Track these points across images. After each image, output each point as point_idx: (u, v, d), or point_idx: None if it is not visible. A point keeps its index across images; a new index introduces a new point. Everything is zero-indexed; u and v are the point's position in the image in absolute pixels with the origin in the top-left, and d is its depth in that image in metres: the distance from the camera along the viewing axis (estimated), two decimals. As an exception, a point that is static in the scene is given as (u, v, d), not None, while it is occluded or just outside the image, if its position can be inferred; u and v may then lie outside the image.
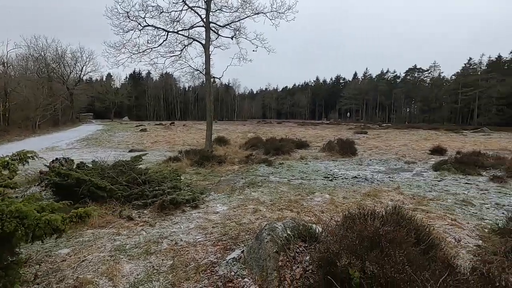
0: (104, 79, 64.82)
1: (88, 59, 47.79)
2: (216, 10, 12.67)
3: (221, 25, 13.16)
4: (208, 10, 12.14)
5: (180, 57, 12.92)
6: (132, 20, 11.50)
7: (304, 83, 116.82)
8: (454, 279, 1.62)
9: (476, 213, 4.50)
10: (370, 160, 10.08)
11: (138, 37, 12.06)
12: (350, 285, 1.57)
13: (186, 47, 13.23)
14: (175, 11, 12.15)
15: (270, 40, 13.76)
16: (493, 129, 32.76)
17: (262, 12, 12.49)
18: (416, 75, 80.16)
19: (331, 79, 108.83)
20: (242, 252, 2.75)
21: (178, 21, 12.56)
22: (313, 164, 9.13)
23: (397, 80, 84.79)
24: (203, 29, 12.62)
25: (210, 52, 12.63)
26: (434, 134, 24.44)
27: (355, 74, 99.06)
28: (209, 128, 12.43)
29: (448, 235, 3.59)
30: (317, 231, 2.89)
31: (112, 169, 5.40)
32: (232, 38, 13.61)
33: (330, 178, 7.00)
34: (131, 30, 11.67)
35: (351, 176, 7.32)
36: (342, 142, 11.58)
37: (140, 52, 12.15)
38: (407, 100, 78.05)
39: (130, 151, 13.01)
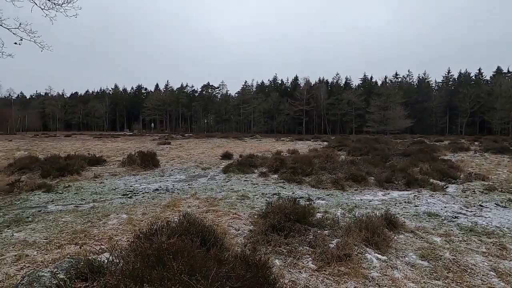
0: None
1: None
2: None
3: (-49, -3, 9.00)
4: None
5: None
6: None
7: (101, 90, 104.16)
8: (224, 270, 1.91)
9: (250, 204, 5.72)
10: (172, 170, 10.43)
11: None
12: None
13: None
14: None
15: (46, 34, 10.99)
16: (262, 135, 43.91)
17: (27, -3, 9.76)
18: (210, 91, 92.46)
19: (132, 88, 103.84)
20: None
21: None
22: (110, 181, 8.18)
23: (195, 94, 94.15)
24: None
25: None
26: (225, 141, 29.15)
27: (157, 86, 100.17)
28: None
29: (231, 227, 4.30)
30: (105, 261, 2.56)
31: None
32: (-26, 20, 9.65)
33: (129, 195, 6.52)
34: None
35: (152, 189, 7.20)
36: (143, 155, 11.20)
37: None
38: (204, 112, 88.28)
39: None
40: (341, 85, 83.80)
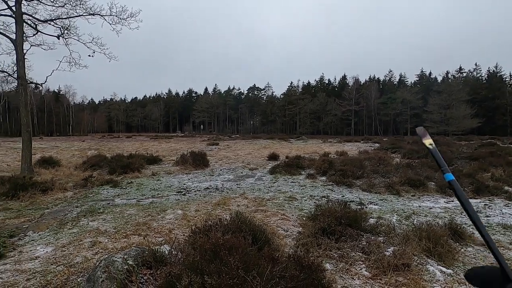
0: None
1: None
2: (33, 0, 10.17)
3: (42, 19, 10.66)
4: (18, -3, 9.53)
5: (-29, 52, 9.45)
6: None
7: (156, 94, 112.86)
8: (277, 269, 1.93)
9: (298, 205, 5.67)
10: (221, 170, 10.84)
11: None
12: (190, 304, 1.58)
13: (-18, 40, 9.83)
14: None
15: (113, 46, 12.39)
16: (309, 137, 43.17)
17: (99, 14, 11.08)
18: (255, 93, 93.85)
19: (184, 92, 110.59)
20: (69, 302, 2.24)
21: (-33, 3, 9.20)
22: (166, 179, 8.82)
23: (242, 96, 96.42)
24: (13, 20, 9.80)
25: (25, 51, 9.93)
26: (271, 142, 29.30)
27: (206, 89, 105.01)
28: (27, 147, 9.65)
29: (280, 228, 4.31)
30: (166, 252, 2.78)
31: None
32: (58, 37, 11.29)
33: (183, 193, 6.96)
34: None
35: (203, 187, 7.57)
36: (195, 155, 11.84)
37: None
38: (250, 114, 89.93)
39: None
40: (395, 83, 78.30)
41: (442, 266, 3.10)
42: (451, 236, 3.74)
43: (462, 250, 3.51)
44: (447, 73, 70.84)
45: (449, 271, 3.02)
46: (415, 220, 4.58)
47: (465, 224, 4.46)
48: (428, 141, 0.43)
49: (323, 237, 3.63)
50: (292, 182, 8.22)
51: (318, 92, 78.13)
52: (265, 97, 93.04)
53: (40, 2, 10.18)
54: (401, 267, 2.96)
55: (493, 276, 0.30)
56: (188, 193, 6.97)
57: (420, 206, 5.70)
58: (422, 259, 3.23)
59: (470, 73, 69.49)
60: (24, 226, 4.67)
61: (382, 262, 3.04)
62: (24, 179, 7.19)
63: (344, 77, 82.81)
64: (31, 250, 3.65)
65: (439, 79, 71.07)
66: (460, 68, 70.40)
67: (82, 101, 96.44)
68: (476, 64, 68.64)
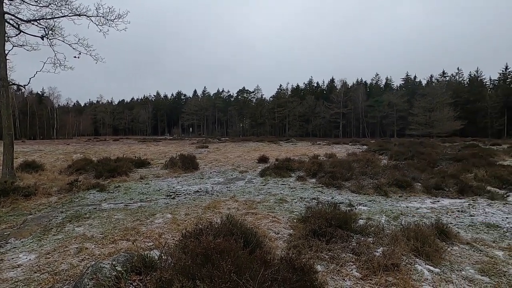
0: None
1: None
2: None
3: (25, 19, 10.35)
4: (0, -4, 9.23)
5: None
6: None
7: (144, 97, 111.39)
8: (269, 272, 1.93)
9: (288, 208, 5.68)
10: (211, 173, 10.76)
11: None
12: (182, 310, 1.55)
13: (-41, 40, 9.45)
14: None
15: (100, 47, 12.14)
16: (298, 139, 43.52)
17: (85, 15, 10.84)
18: (245, 95, 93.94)
19: (172, 94, 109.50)
20: (55, 311, 2.16)
21: None
22: (155, 183, 8.69)
23: (231, 99, 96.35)
24: (-6, 20, 9.46)
25: (6, 52, 9.61)
26: (260, 145, 29.34)
27: (195, 92, 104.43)
28: (8, 150, 9.29)
29: (271, 230, 4.30)
30: (155, 257, 2.72)
31: None
32: (42, 38, 10.98)
33: (172, 196, 6.87)
34: None
35: (193, 191, 7.49)
36: (184, 158, 11.72)
37: None
38: (240, 117, 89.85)
39: None
40: (381, 86, 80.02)
41: (430, 265, 3.17)
42: (438, 236, 3.82)
43: (449, 249, 3.59)
44: (431, 77, 73.08)
45: (437, 270, 3.08)
46: (403, 221, 4.66)
47: (451, 223, 4.58)
48: None
49: (314, 239, 3.65)
50: (282, 184, 8.24)
51: (307, 95, 78.95)
52: (254, 100, 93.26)
53: (23, 1, 9.89)
54: (391, 267, 3.00)
55: None
56: (178, 196, 6.88)
57: (407, 207, 5.82)
58: (411, 258, 3.28)
59: (453, 77, 71.81)
60: (5, 233, 4.48)
61: (372, 262, 3.07)
62: (5, 184, 6.92)
63: (332, 80, 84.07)
64: (13, 258, 3.51)
65: (424, 82, 73.16)
66: (443, 72, 72.69)
67: (67, 103, 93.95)
68: (458, 69, 71.05)
